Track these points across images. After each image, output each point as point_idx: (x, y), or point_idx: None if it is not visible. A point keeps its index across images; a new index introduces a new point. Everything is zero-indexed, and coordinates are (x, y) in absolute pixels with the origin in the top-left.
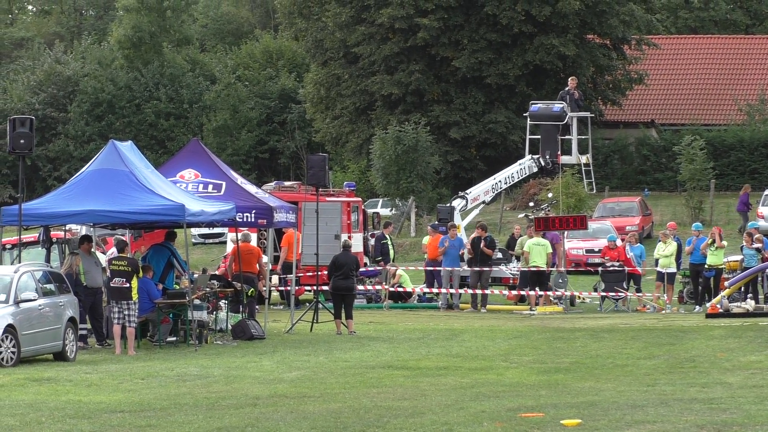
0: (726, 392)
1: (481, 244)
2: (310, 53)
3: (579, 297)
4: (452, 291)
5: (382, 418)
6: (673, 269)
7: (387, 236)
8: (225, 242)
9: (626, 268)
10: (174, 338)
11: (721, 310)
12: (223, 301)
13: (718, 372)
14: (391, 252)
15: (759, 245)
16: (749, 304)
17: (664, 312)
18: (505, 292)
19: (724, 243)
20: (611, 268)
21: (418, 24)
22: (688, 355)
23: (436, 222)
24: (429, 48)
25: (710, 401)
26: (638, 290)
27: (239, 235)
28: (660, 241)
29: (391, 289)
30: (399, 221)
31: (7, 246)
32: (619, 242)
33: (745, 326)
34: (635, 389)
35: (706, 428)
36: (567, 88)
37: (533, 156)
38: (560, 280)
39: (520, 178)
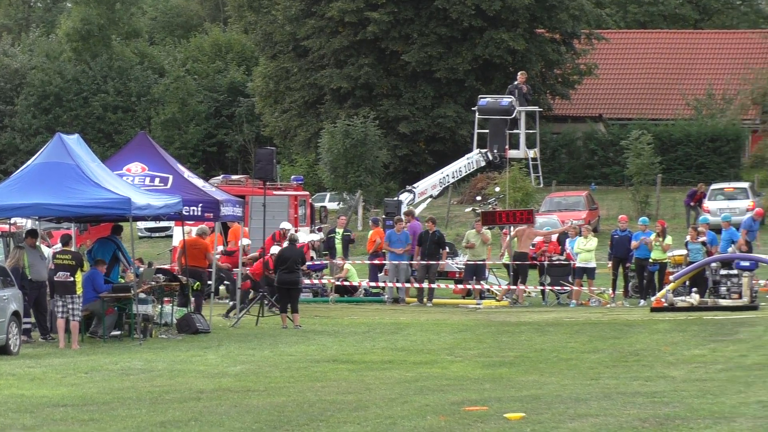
0: (669, 386)
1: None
2: (259, 46)
3: (525, 291)
4: (398, 285)
5: (326, 411)
6: (593, 263)
7: (336, 230)
8: (171, 236)
9: (570, 262)
10: (118, 332)
11: (665, 304)
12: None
13: (662, 366)
14: (339, 246)
15: (703, 239)
16: (694, 298)
17: (609, 306)
18: (452, 285)
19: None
20: (557, 262)
21: (368, 18)
22: (632, 348)
23: (383, 216)
24: (379, 42)
25: (653, 395)
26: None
27: (196, 228)
28: (581, 235)
29: (337, 283)
30: (347, 215)
31: None
32: (553, 237)
33: (689, 320)
34: (579, 383)
35: (649, 422)
36: (516, 83)
37: (481, 150)
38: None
39: (468, 172)
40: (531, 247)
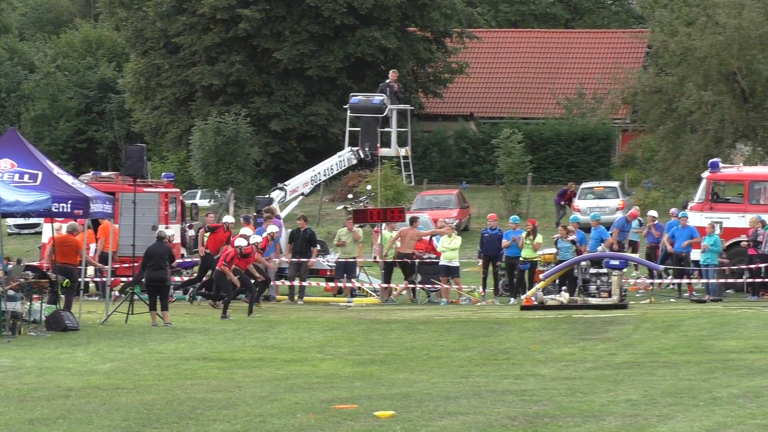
0: (539, 384)
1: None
2: (130, 43)
3: (395, 289)
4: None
5: (195, 409)
6: (457, 263)
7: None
8: (40, 233)
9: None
10: None
11: (535, 303)
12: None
13: (532, 364)
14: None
15: (573, 237)
16: (563, 297)
17: (479, 304)
18: (323, 283)
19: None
20: (428, 260)
21: (239, 15)
22: (502, 347)
23: (254, 213)
24: (250, 39)
25: (523, 393)
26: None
27: (66, 225)
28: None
29: (191, 279)
30: (218, 212)
31: None
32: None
33: (558, 318)
34: (449, 381)
35: (519, 420)
36: (387, 81)
37: (352, 148)
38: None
39: (340, 170)
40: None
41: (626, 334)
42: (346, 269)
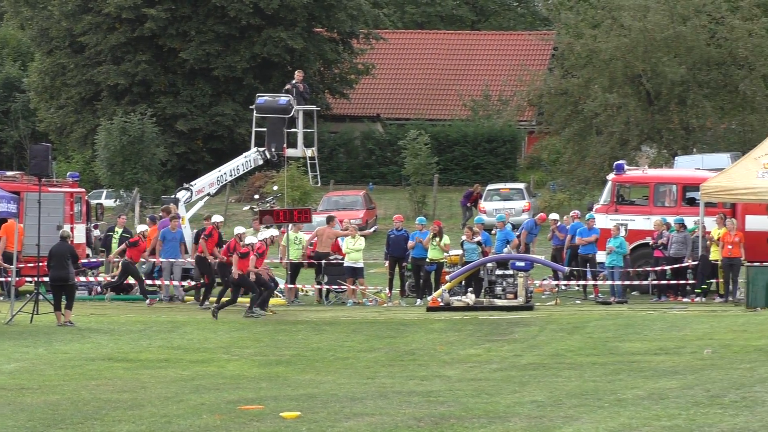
0: (445, 385)
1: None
2: (35, 42)
3: (302, 290)
4: (174, 283)
5: (100, 410)
6: (362, 263)
7: (116, 229)
8: None
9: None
10: None
11: (441, 304)
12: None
13: (438, 365)
14: (114, 245)
15: (478, 239)
16: (469, 298)
17: (386, 305)
18: None
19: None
20: (334, 261)
21: (145, 14)
22: (408, 348)
23: (159, 214)
24: (156, 39)
25: (429, 394)
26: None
27: None
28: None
29: (113, 280)
30: (124, 212)
31: None
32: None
33: (464, 320)
34: (355, 382)
35: (424, 421)
36: (293, 81)
37: (259, 148)
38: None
39: (246, 170)
40: None
41: (532, 335)
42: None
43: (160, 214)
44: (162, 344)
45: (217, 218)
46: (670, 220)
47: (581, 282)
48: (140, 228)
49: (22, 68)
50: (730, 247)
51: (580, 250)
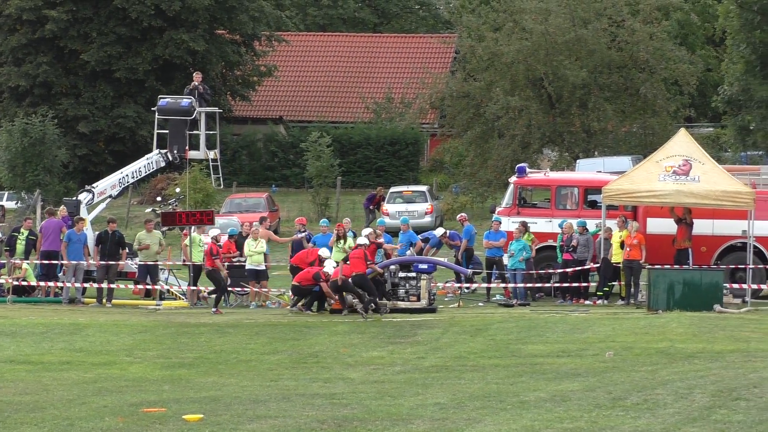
0: (348, 387)
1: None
2: None
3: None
4: (77, 285)
5: (2, 412)
6: (263, 266)
7: (22, 231)
8: None
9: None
10: None
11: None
12: None
13: (341, 367)
14: (20, 247)
15: (381, 240)
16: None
17: (289, 308)
18: (131, 286)
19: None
20: (236, 263)
21: (46, 16)
22: (311, 350)
23: (45, 215)
24: (57, 40)
25: (332, 396)
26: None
27: None
28: (251, 237)
29: (15, 282)
30: (25, 214)
31: None
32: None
33: (368, 322)
34: (258, 384)
35: (328, 423)
36: (193, 83)
37: (161, 150)
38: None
39: (148, 172)
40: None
41: (435, 337)
42: (149, 272)
43: (45, 215)
44: (64, 347)
45: (213, 232)
46: (573, 222)
47: (484, 284)
48: (213, 232)
49: None
50: (628, 249)
51: (487, 252)
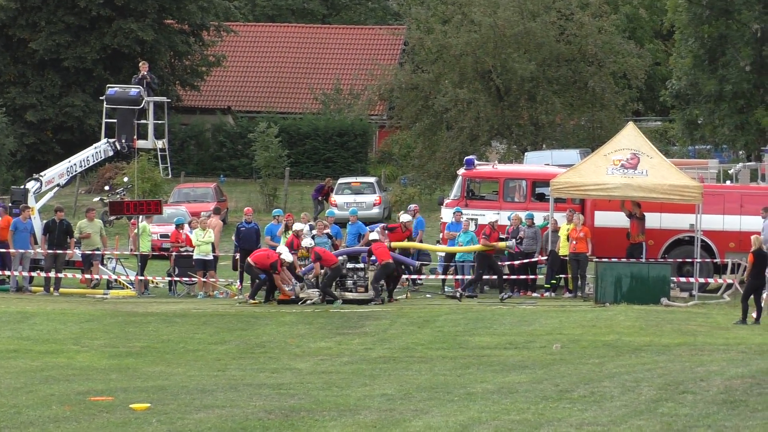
0: (295, 378)
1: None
2: None
3: (153, 281)
4: (25, 274)
5: None
6: (211, 256)
7: None
8: None
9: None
10: None
11: (293, 297)
12: None
13: (288, 358)
14: None
15: (328, 231)
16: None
17: (237, 298)
18: (78, 275)
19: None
20: (184, 253)
21: None
22: (259, 340)
23: (10, 204)
24: (6, 29)
25: (279, 386)
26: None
27: None
28: (200, 227)
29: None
30: None
31: None
32: (187, 227)
33: (315, 313)
34: (206, 374)
35: (275, 413)
36: (141, 73)
37: (109, 139)
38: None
39: (96, 161)
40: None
41: (382, 329)
42: (91, 260)
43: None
44: (11, 335)
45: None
46: (522, 215)
47: (432, 276)
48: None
49: None
50: (574, 242)
51: (449, 243)
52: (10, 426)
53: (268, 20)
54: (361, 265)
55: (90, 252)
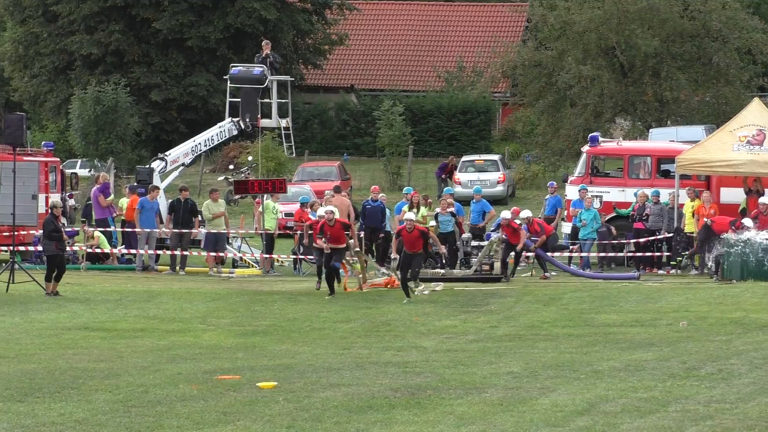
0: (421, 356)
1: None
2: (8, 11)
3: (278, 260)
4: (151, 252)
5: (77, 379)
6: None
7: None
8: None
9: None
10: None
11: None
12: None
13: (414, 336)
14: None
15: (452, 209)
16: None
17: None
18: (204, 253)
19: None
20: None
21: None
22: (384, 318)
23: (135, 183)
24: (129, 8)
25: (405, 365)
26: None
27: None
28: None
29: (89, 250)
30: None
31: None
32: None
33: (440, 291)
34: (331, 352)
35: (401, 391)
36: (265, 52)
37: (233, 119)
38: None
39: (220, 140)
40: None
41: (507, 307)
42: (217, 240)
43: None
44: (138, 314)
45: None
46: (648, 192)
47: (557, 254)
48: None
49: None
50: (706, 219)
51: (574, 221)
52: (138, 405)
53: None
54: (486, 244)
55: (216, 232)
